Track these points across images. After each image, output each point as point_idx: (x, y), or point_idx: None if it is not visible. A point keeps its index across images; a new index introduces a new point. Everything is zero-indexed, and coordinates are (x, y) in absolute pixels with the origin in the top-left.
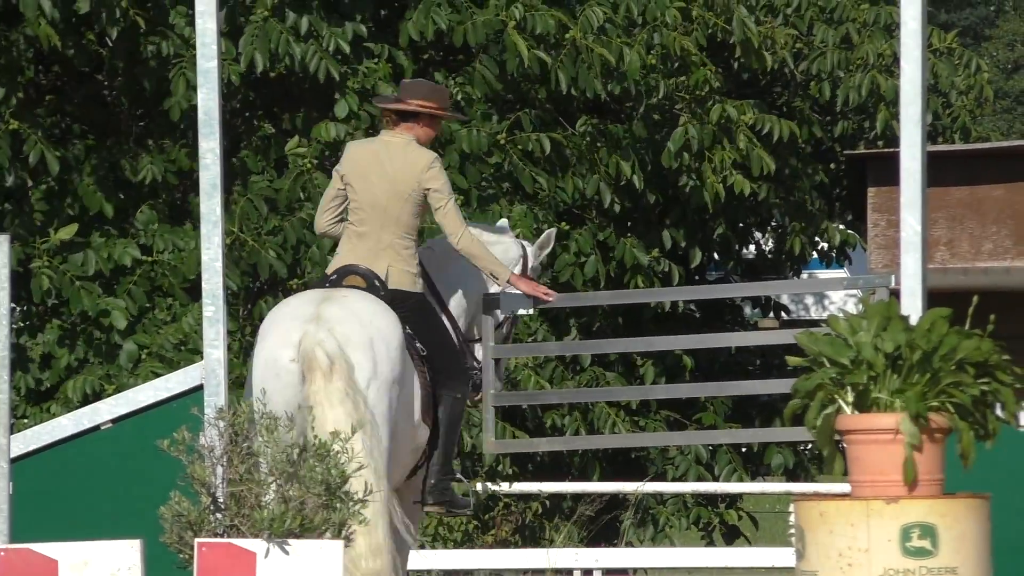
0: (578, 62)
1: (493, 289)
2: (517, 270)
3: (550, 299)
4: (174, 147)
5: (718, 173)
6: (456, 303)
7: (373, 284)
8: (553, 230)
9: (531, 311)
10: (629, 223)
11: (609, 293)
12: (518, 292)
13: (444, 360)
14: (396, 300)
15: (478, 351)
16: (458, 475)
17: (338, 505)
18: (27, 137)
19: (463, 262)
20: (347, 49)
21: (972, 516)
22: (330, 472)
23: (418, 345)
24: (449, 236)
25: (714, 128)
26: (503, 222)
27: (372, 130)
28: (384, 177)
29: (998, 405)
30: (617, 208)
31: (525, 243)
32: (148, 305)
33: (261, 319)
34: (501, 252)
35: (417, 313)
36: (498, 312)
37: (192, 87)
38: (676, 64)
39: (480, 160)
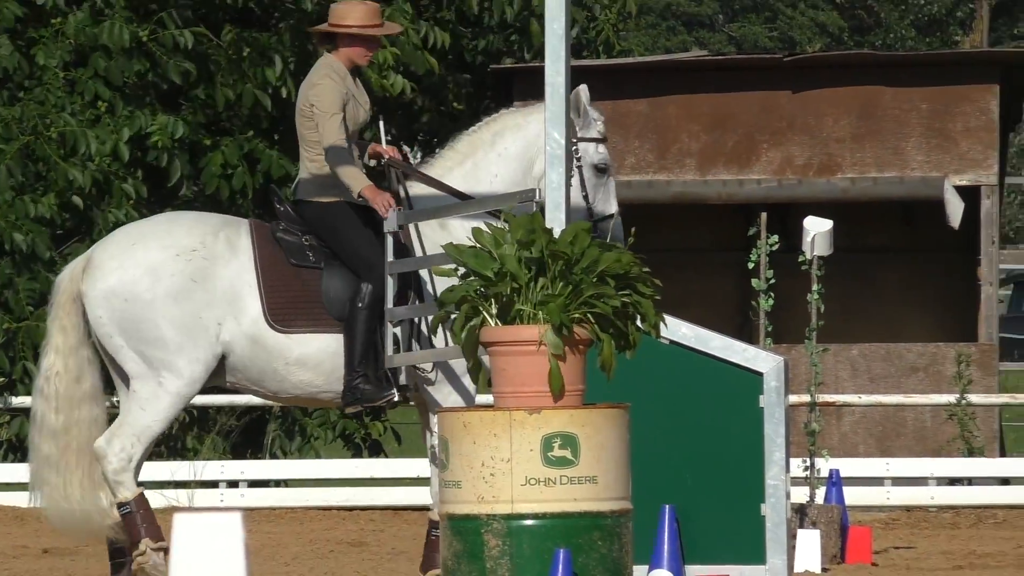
0: None
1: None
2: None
3: (385, 214)
4: None
5: (379, 73)
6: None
7: (276, 204)
8: (580, 87)
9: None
10: (276, 136)
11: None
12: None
13: (349, 264)
14: (300, 210)
15: None
16: (364, 371)
17: None
18: None
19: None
20: None
21: (612, 426)
22: None
23: (308, 251)
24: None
25: None
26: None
27: (21, 32)
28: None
29: (639, 316)
30: (264, 122)
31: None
32: None
33: None
34: (521, 140)
35: (318, 221)
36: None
37: None
38: None
39: (124, 59)
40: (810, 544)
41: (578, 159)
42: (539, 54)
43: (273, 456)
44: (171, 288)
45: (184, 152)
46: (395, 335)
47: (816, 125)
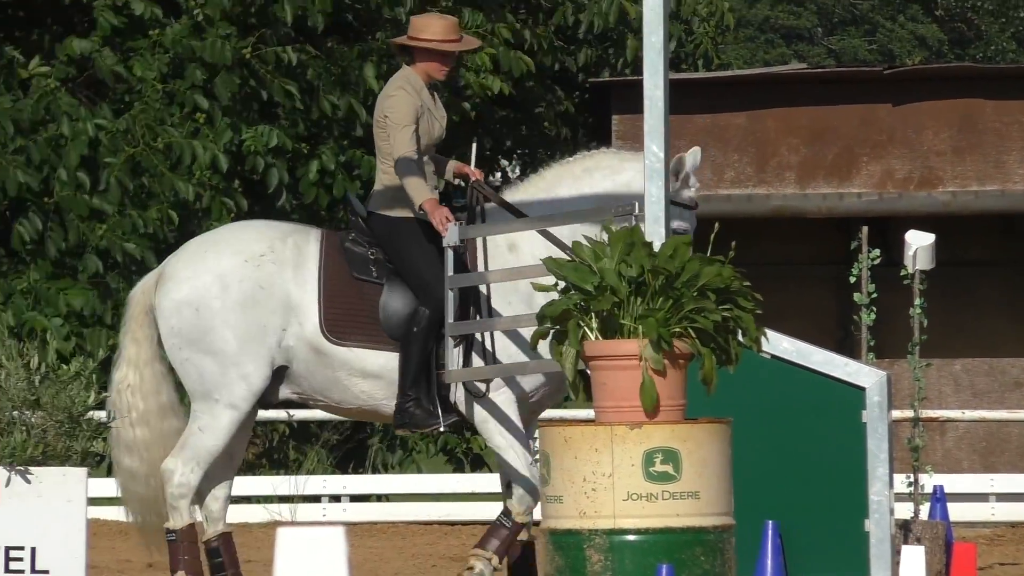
0: None
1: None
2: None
3: (443, 230)
4: None
5: (478, 75)
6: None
7: (349, 215)
8: (693, 151)
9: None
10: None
11: (522, 221)
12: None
13: (409, 284)
14: (370, 222)
15: None
16: (416, 395)
17: (79, 433)
18: None
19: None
20: None
21: (714, 440)
22: (72, 400)
23: (372, 266)
24: None
25: (473, 32)
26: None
27: (119, 44)
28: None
29: (740, 331)
30: (360, 129)
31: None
32: None
33: (20, 240)
34: (610, 182)
35: (384, 236)
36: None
37: None
38: None
39: (226, 76)
40: (915, 560)
41: None
42: (633, 67)
43: (375, 470)
44: (240, 295)
45: (283, 161)
46: (454, 352)
47: (916, 138)
